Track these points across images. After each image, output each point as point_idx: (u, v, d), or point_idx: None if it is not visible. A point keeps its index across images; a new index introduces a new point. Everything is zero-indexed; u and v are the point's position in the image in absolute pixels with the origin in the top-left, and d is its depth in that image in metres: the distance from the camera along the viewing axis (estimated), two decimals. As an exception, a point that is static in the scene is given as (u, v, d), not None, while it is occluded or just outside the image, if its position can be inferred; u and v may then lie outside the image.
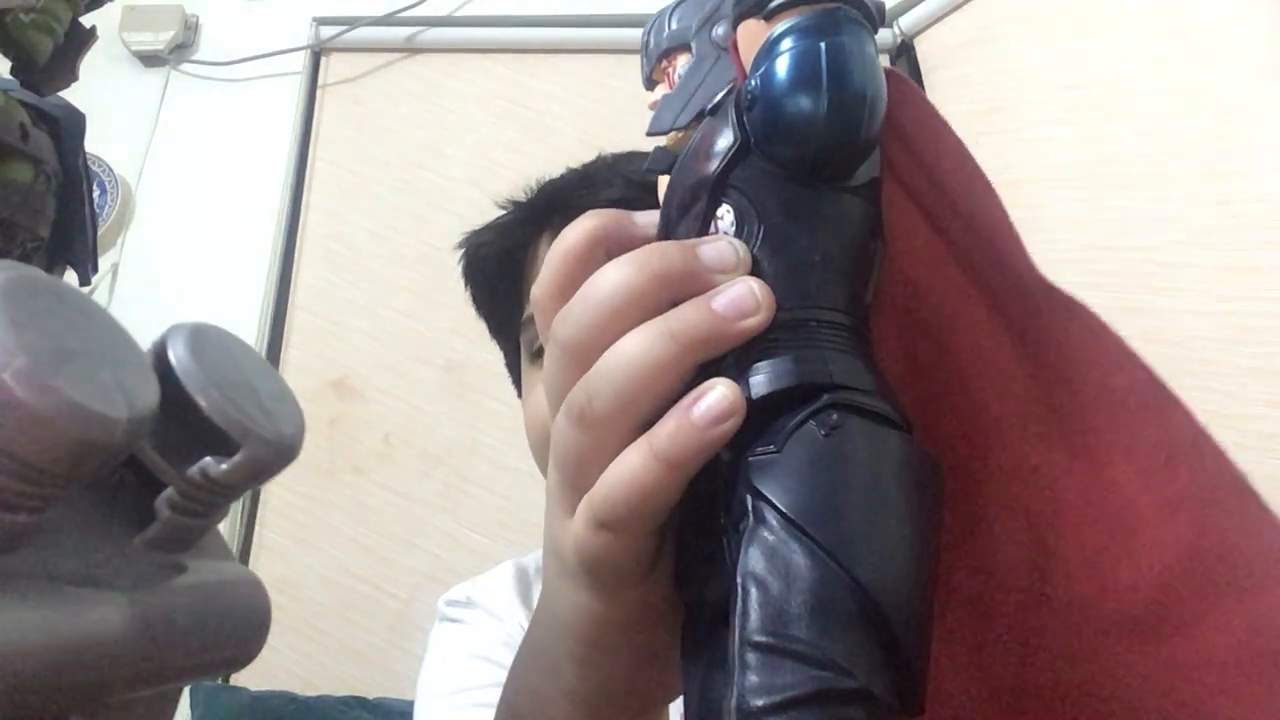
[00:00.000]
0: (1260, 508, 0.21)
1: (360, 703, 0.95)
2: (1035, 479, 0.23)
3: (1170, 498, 0.21)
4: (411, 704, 0.65)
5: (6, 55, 0.38)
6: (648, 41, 0.26)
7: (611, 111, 1.31)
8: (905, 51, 1.34)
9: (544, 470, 0.57)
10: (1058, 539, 0.23)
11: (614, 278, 0.21)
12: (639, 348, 0.21)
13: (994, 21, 1.22)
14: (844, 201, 0.22)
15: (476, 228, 0.65)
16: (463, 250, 0.65)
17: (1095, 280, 1.03)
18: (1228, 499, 0.21)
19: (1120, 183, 1.05)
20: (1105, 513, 0.22)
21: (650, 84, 0.27)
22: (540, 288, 0.24)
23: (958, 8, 1.27)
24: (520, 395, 0.62)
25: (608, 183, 0.56)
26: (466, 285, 0.66)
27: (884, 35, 1.32)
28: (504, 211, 0.63)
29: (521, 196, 0.62)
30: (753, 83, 0.22)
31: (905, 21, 1.33)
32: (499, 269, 0.62)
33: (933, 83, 1.28)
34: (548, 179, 0.61)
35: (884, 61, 0.22)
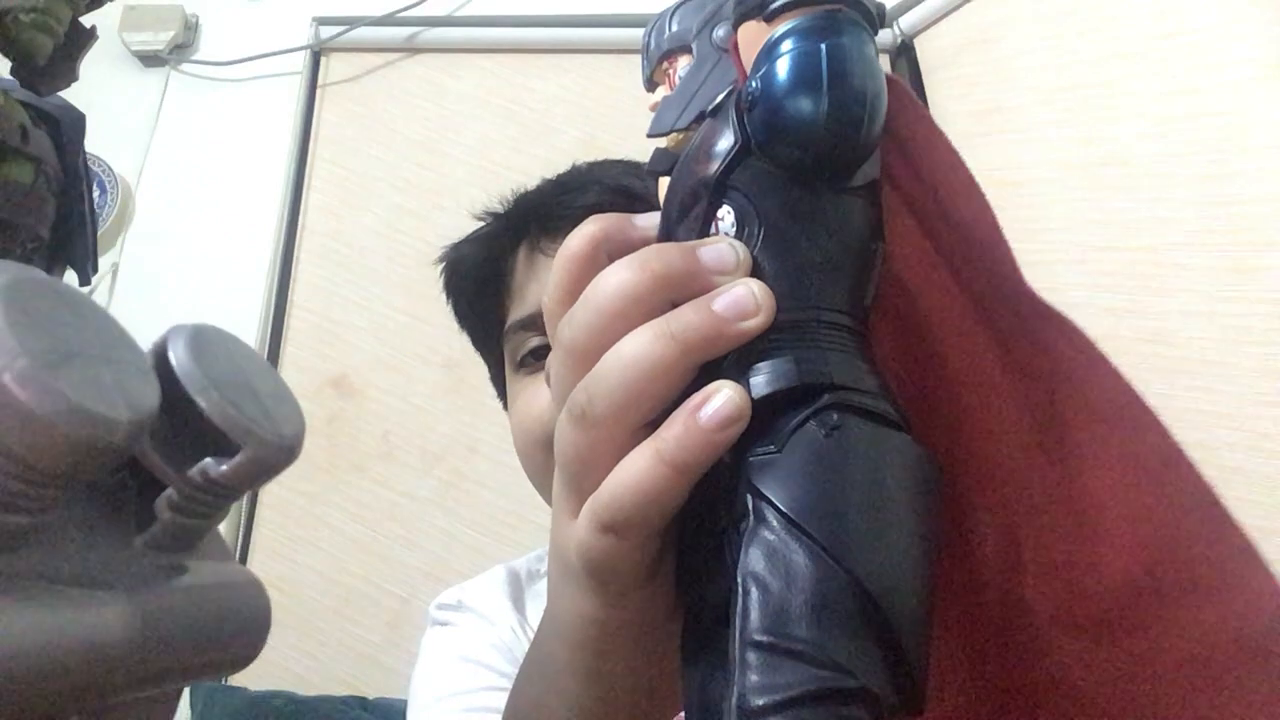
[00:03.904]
0: (1226, 518, 0.22)
1: (360, 702, 0.95)
2: (1013, 483, 0.23)
3: (1139, 507, 0.22)
4: (412, 703, 0.64)
5: (6, 55, 0.38)
6: (648, 43, 0.26)
7: (612, 111, 1.31)
8: (905, 51, 1.34)
9: (533, 479, 0.58)
10: (1029, 542, 0.23)
11: (614, 280, 0.21)
12: (639, 348, 0.21)
13: (994, 21, 1.22)
14: (845, 203, 0.22)
15: (455, 241, 0.65)
16: (443, 264, 0.65)
17: (1095, 280, 1.03)
18: (1194, 510, 0.22)
19: (1120, 183, 1.05)
20: (1076, 519, 0.22)
21: (651, 85, 0.27)
22: (548, 295, 0.24)
23: (958, 8, 1.27)
24: (505, 406, 0.62)
25: (583, 190, 0.55)
26: (448, 299, 0.66)
27: (884, 35, 1.32)
28: (482, 223, 0.63)
29: (499, 208, 0.62)
30: (753, 84, 0.22)
31: (905, 21, 1.33)
32: (479, 280, 0.62)
33: (933, 83, 1.28)
34: (524, 190, 0.61)
35: (884, 62, 0.22)
